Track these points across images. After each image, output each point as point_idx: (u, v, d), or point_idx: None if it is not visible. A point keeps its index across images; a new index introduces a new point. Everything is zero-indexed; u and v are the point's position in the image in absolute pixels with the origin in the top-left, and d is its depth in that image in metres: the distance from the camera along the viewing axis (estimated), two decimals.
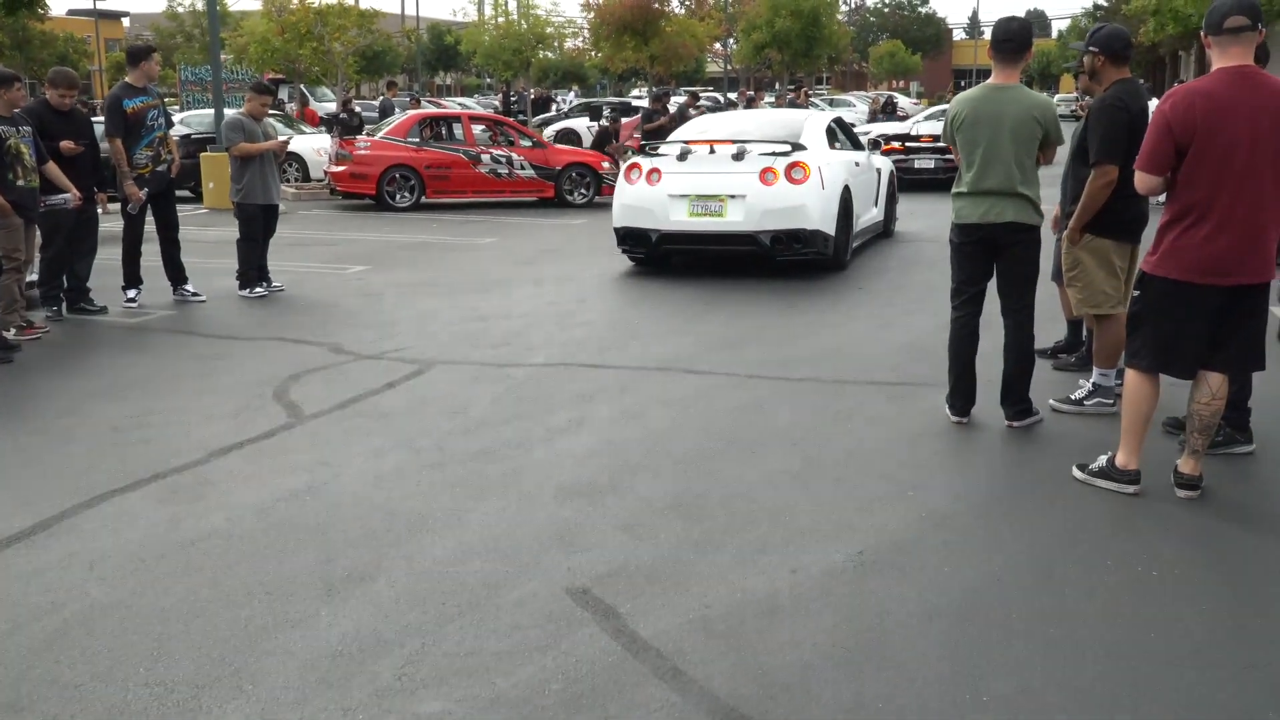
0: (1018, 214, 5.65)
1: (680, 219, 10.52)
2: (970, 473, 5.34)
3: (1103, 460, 5.00)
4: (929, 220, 14.51)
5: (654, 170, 10.76)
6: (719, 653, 3.54)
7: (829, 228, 10.48)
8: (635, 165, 11.07)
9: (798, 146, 10.60)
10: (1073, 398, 6.12)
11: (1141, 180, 4.71)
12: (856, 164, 11.74)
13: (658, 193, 10.62)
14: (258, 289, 9.88)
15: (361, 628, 3.71)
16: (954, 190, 5.83)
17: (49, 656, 3.54)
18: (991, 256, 5.78)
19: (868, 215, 12.18)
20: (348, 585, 4.03)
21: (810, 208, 10.29)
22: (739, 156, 10.50)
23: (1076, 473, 5.07)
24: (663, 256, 11.19)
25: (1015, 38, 5.67)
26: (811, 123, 11.53)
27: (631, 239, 11.05)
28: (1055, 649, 3.56)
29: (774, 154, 10.45)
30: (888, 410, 6.22)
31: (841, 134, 12.13)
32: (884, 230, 13.34)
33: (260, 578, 4.10)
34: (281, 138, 10.30)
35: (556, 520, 4.66)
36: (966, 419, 5.90)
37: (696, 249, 10.98)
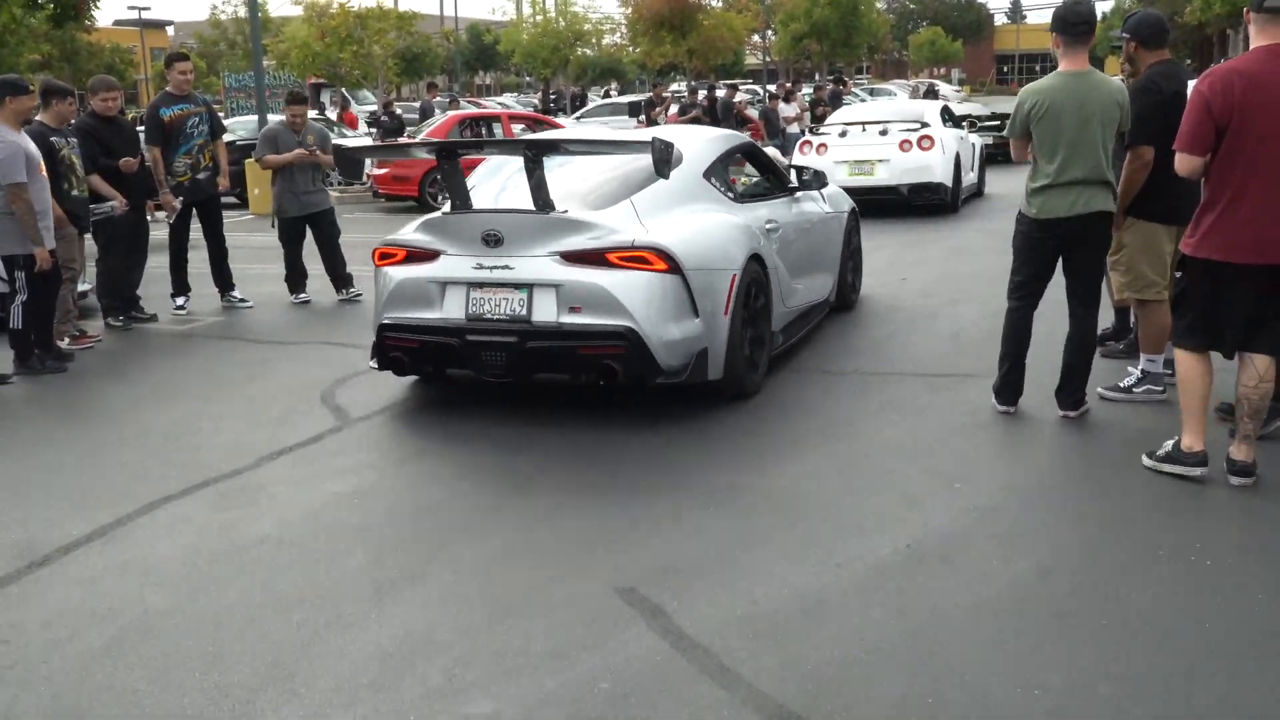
0: (1105, 202, 5.49)
1: (842, 178, 13.80)
2: (1017, 464, 5.30)
3: (1169, 445, 4.95)
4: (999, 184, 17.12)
5: (821, 144, 15.13)
6: (766, 649, 3.54)
7: (949, 181, 14.62)
8: (807, 142, 15.57)
9: (924, 124, 14.85)
10: (1121, 385, 6.05)
11: (1182, 162, 4.66)
12: (961, 138, 15.72)
13: (825, 160, 14.46)
14: (301, 295, 9.97)
15: (410, 629, 3.74)
16: (1033, 185, 5.57)
17: (107, 663, 3.60)
18: (1065, 249, 5.63)
19: (968, 178, 15.78)
20: (397, 587, 4.07)
21: (936, 167, 14.48)
22: (884, 133, 14.89)
23: (1146, 460, 5.01)
24: None
25: (1088, 19, 5.47)
26: (930, 108, 16.11)
27: None
28: (1106, 641, 3.52)
29: (908, 130, 14.76)
30: (933, 402, 6.18)
31: (949, 117, 16.12)
32: (978, 191, 16.64)
33: (312, 581, 4.15)
34: (314, 148, 9.71)
35: (601, 518, 4.68)
36: (1014, 409, 5.85)
37: (855, 199, 15.18)
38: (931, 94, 37.99)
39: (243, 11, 50.83)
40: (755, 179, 7.86)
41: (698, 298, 5.82)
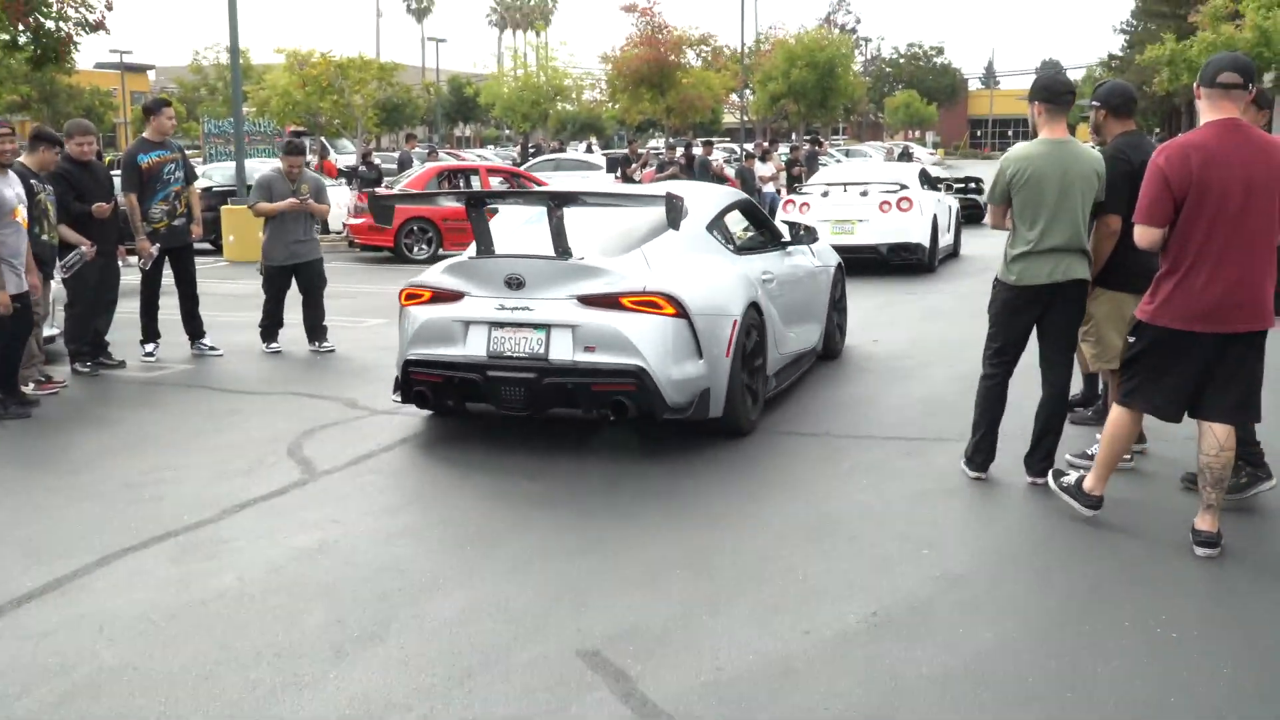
0: (1082, 270, 5.56)
1: (824, 237, 14.65)
2: (986, 531, 5.29)
3: (1073, 477, 5.24)
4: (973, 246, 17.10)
5: (805, 203, 15.54)
6: (730, 718, 3.50)
7: (926, 241, 15.11)
8: (790, 200, 16.06)
9: (904, 186, 15.32)
10: (1089, 453, 6.05)
11: (1142, 234, 4.78)
12: (939, 200, 16.27)
13: (807, 219, 14.39)
14: (273, 344, 9.89)
15: (370, 691, 3.68)
16: (1013, 252, 5.58)
17: None
18: (1041, 316, 5.67)
19: (944, 239, 16.28)
20: (357, 647, 4.00)
21: (913, 228, 14.97)
22: (865, 194, 15.31)
23: (1050, 481, 5.37)
24: None
25: (1071, 88, 5.62)
26: (909, 171, 16.67)
27: None
28: (1070, 715, 3.50)
29: (888, 192, 15.20)
30: (904, 467, 6.17)
31: (926, 180, 16.65)
32: (954, 252, 17.22)
33: (270, 639, 4.08)
34: (306, 198, 9.70)
35: (568, 577, 4.63)
36: (985, 475, 5.85)
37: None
38: (906, 156, 38.45)
39: (224, 58, 50.98)
40: (752, 233, 8.32)
41: (702, 341, 6.32)
